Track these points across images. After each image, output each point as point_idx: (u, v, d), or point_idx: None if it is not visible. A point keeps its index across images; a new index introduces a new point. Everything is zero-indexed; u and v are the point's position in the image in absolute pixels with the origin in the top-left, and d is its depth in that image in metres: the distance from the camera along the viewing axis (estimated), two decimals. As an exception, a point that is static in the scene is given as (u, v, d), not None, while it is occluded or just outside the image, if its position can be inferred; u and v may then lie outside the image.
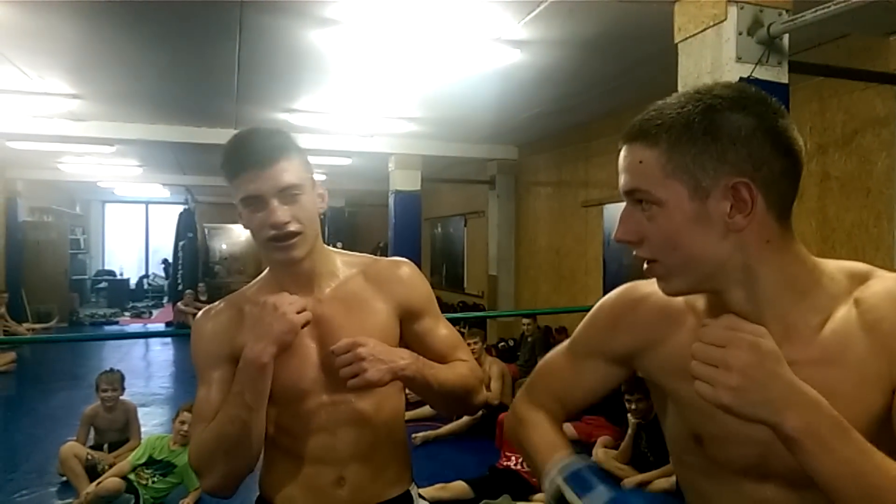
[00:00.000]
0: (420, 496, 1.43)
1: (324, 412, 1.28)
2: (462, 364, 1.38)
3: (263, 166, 1.19)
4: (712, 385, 0.71)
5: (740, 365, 0.70)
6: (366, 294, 1.33)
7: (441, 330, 1.40)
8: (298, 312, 1.17)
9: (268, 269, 1.36)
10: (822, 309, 0.82)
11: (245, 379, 1.17)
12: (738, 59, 2.72)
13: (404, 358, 1.22)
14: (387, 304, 1.33)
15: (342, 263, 1.37)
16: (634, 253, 0.85)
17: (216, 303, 1.37)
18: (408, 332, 1.37)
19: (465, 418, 5.10)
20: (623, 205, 0.88)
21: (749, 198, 0.78)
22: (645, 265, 0.86)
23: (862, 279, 0.82)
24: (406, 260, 1.43)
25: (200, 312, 1.36)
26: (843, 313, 0.81)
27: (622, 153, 0.86)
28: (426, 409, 5.21)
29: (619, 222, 0.86)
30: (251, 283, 1.40)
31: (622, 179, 0.85)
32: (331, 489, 1.29)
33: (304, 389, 1.27)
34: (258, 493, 1.38)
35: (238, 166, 1.21)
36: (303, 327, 1.19)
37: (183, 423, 3.92)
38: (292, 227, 1.21)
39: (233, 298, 1.36)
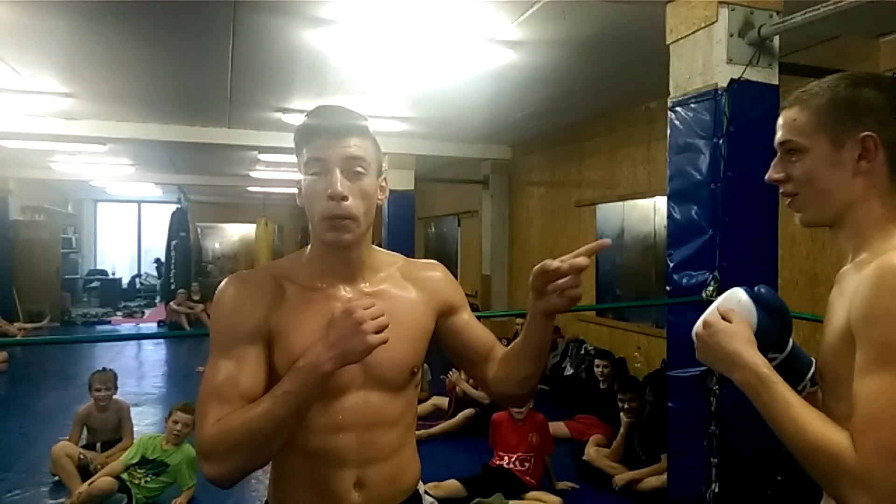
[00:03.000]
0: (426, 492, 1.42)
1: (356, 410, 1.24)
2: None
3: (335, 136, 1.20)
4: None
5: (700, 338, 1.15)
6: (405, 290, 1.33)
7: (480, 324, 1.44)
8: (378, 331, 1.11)
9: (311, 247, 1.30)
10: (868, 251, 1.04)
11: (300, 381, 1.10)
12: (729, 60, 2.74)
13: None
14: (424, 300, 1.34)
15: (380, 258, 1.36)
16: (781, 191, 1.13)
17: (248, 271, 1.31)
18: (448, 327, 1.38)
19: (459, 417, 5.12)
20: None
21: (873, 147, 1.03)
22: (787, 201, 1.14)
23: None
24: (438, 263, 1.44)
25: (231, 276, 1.27)
26: (864, 267, 0.99)
27: (783, 115, 1.13)
28: (420, 408, 5.22)
29: (770, 168, 1.14)
30: (286, 258, 1.35)
31: (779, 133, 1.12)
32: (347, 494, 1.23)
33: (340, 384, 1.21)
34: (265, 500, 1.32)
35: (311, 133, 1.21)
36: None
37: (176, 422, 3.92)
38: (349, 204, 1.18)
39: (270, 270, 1.29)
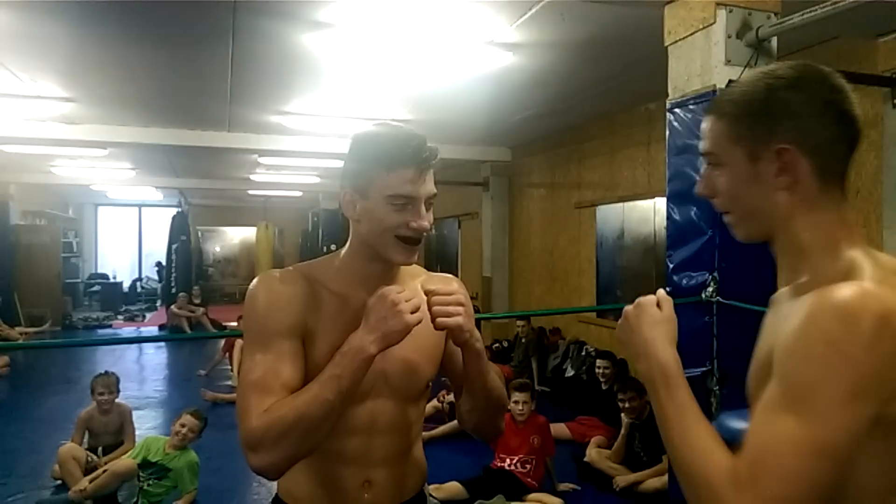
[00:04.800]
0: (431, 494, 1.45)
1: (370, 415, 1.27)
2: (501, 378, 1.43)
3: (428, 168, 1.21)
4: None
5: (626, 316, 1.04)
6: (424, 305, 1.31)
7: None
8: (413, 312, 1.17)
9: (346, 253, 1.31)
10: (808, 274, 0.93)
11: (346, 365, 1.14)
12: (728, 61, 2.75)
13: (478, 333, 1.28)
14: None
15: (407, 271, 1.39)
16: (714, 204, 1.03)
17: (281, 270, 1.31)
18: (450, 347, 1.39)
19: (460, 419, 5.12)
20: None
21: (791, 161, 0.92)
22: (723, 216, 1.04)
23: (848, 277, 0.85)
24: (457, 278, 1.44)
25: (264, 275, 1.29)
26: (806, 291, 0.88)
27: (704, 121, 1.02)
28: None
29: (700, 179, 1.04)
30: (319, 262, 1.35)
31: (702, 144, 1.02)
32: (356, 492, 1.27)
33: (361, 391, 1.23)
34: (275, 494, 1.35)
35: (402, 161, 1.19)
36: None
37: (183, 425, 3.91)
38: (425, 235, 1.25)
39: (304, 272, 1.30)
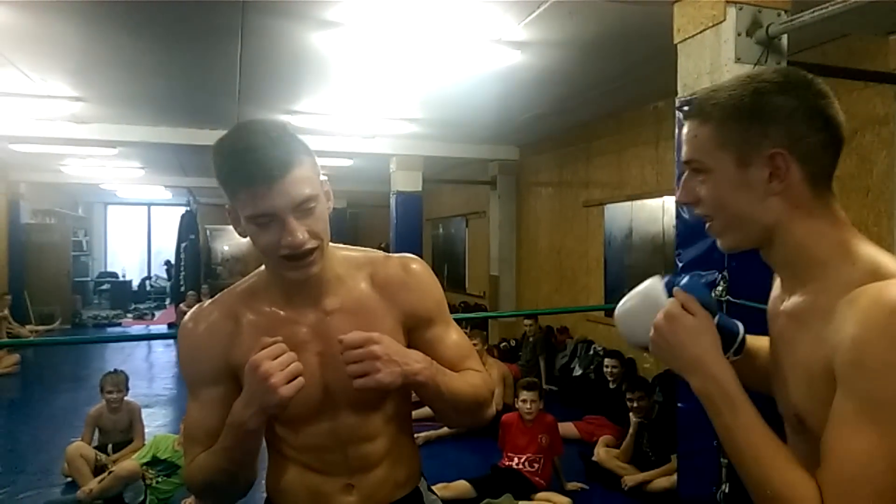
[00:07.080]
0: (430, 489, 1.40)
1: (331, 433, 1.23)
2: (474, 374, 1.31)
3: (275, 179, 1.05)
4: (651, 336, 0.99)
5: (661, 332, 0.98)
6: (372, 303, 1.25)
7: (451, 337, 1.33)
8: (291, 379, 1.06)
9: (267, 268, 1.23)
10: (823, 280, 0.91)
11: (232, 438, 1.12)
12: (738, 59, 2.73)
13: (419, 361, 1.14)
14: (393, 314, 1.25)
15: (347, 264, 1.26)
16: (696, 212, 1.02)
17: (205, 304, 1.26)
18: (416, 341, 1.28)
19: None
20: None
21: (784, 166, 0.91)
22: (706, 225, 1.03)
23: (877, 277, 0.85)
24: (416, 258, 1.33)
25: (188, 316, 1.24)
26: (834, 296, 0.86)
27: (683, 128, 1.00)
28: (429, 409, 5.22)
29: (679, 187, 1.02)
30: (246, 280, 1.28)
31: (682, 150, 1.00)
32: (339, 495, 1.25)
33: (309, 411, 1.21)
34: (265, 496, 1.34)
35: (244, 180, 1.06)
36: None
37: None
38: (310, 245, 1.10)
39: (227, 302, 1.24)
